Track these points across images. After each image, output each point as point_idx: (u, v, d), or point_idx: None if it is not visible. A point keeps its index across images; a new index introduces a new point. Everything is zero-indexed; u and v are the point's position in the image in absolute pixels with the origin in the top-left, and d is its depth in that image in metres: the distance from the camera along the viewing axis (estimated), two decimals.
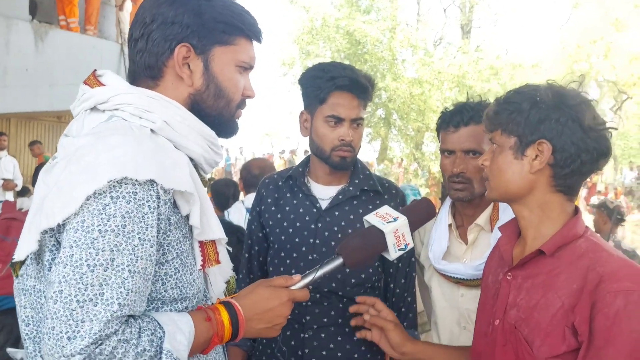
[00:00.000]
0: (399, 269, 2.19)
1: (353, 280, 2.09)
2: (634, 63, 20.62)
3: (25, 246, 1.23)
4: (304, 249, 2.12)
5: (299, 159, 22.29)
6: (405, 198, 2.28)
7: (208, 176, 1.48)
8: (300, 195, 2.19)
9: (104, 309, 1.08)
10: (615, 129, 1.56)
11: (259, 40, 1.45)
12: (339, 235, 2.12)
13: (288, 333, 2.10)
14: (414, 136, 21.08)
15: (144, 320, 1.17)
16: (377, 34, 19.49)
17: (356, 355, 2.12)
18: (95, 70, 1.40)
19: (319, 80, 2.08)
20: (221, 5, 1.37)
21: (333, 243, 2.11)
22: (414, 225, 1.68)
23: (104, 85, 1.33)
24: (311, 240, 2.12)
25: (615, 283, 1.35)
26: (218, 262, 1.37)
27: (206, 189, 1.45)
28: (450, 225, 2.17)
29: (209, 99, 1.39)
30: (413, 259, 2.23)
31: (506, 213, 2.05)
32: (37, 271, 1.26)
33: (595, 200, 14.73)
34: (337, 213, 2.14)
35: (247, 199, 4.28)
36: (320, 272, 1.56)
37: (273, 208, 2.21)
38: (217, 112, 1.41)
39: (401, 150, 22.23)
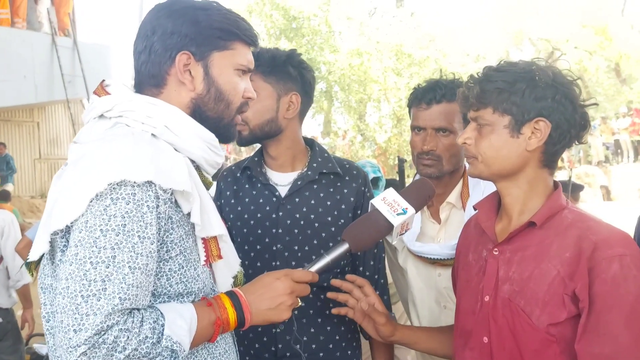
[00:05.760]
0: (367, 251, 2.10)
1: None
2: (564, 19, 21.09)
3: (38, 247, 1.31)
4: (267, 240, 2.05)
5: None
6: (368, 177, 2.21)
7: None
8: (259, 185, 2.11)
9: (106, 303, 1.16)
10: (596, 104, 1.62)
11: (254, 44, 1.52)
12: (302, 223, 2.05)
13: (259, 329, 2.02)
14: (356, 107, 21.18)
15: (148, 311, 1.24)
16: (313, 8, 19.41)
17: (337, 337, 2.09)
18: (103, 80, 1.47)
19: None
20: (217, 13, 1.45)
21: (296, 231, 2.05)
22: (418, 210, 1.66)
23: (109, 94, 1.41)
24: (273, 231, 2.05)
25: (609, 249, 1.41)
26: (220, 257, 1.43)
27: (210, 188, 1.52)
28: None
29: (210, 102, 1.45)
30: (380, 240, 2.13)
31: (476, 190, 2.05)
32: (52, 270, 1.33)
33: None
34: (297, 199, 2.07)
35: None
36: (327, 258, 1.58)
37: (232, 201, 2.14)
38: (218, 115, 1.47)
39: (345, 122, 22.31)
